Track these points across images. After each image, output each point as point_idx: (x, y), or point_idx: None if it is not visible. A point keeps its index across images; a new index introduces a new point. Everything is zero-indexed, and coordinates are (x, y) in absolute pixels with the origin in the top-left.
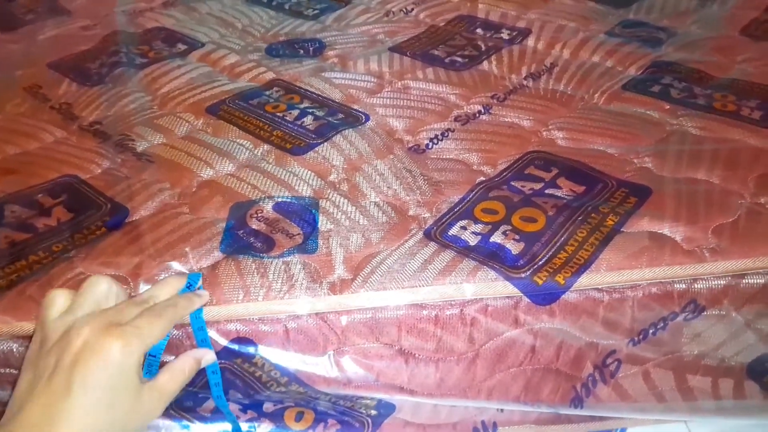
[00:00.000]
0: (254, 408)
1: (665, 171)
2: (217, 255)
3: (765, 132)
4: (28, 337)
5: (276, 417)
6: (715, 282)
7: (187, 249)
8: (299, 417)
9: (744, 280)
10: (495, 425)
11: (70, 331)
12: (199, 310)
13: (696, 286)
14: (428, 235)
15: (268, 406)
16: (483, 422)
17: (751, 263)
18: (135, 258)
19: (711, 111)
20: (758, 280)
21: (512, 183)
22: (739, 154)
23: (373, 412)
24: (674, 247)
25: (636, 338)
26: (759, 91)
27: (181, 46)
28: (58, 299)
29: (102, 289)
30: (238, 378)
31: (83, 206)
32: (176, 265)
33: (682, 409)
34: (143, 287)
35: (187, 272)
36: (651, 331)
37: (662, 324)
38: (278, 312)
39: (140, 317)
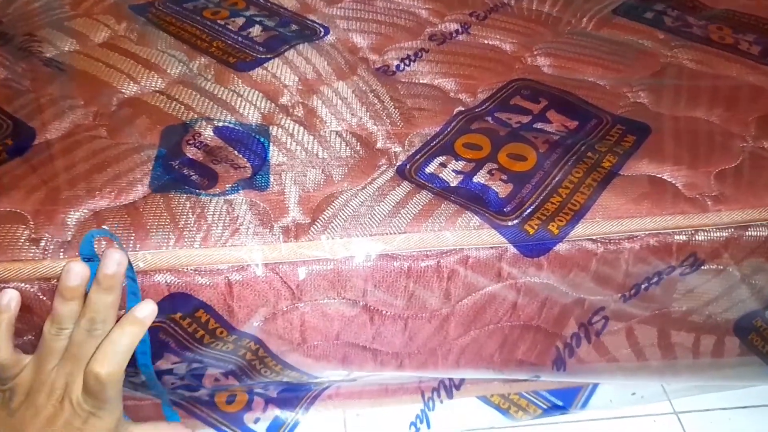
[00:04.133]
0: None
1: (662, 108)
2: (142, 189)
3: (764, 69)
4: None
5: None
6: (717, 234)
7: (104, 179)
8: (231, 399)
9: (747, 232)
10: (463, 379)
11: None
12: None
13: (697, 237)
14: (401, 173)
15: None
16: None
17: (756, 214)
18: (38, 192)
19: (708, 43)
20: (762, 233)
21: (496, 114)
22: (739, 92)
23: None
24: (676, 194)
25: (627, 294)
26: (756, 24)
27: None
28: None
29: None
30: (171, 338)
31: None
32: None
33: (657, 368)
34: (47, 233)
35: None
36: (644, 286)
37: (656, 278)
38: (220, 261)
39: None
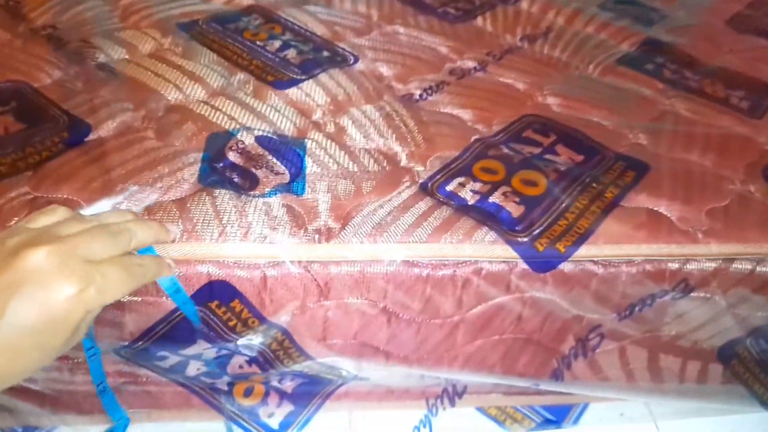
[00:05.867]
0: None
1: (660, 149)
2: (189, 187)
3: (752, 122)
4: None
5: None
6: (707, 264)
7: (155, 176)
8: (248, 392)
9: (733, 265)
10: (465, 388)
11: (25, 247)
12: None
13: (688, 266)
14: (424, 189)
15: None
16: (454, 385)
17: (742, 248)
18: (94, 181)
19: (702, 95)
20: (746, 266)
21: (510, 144)
22: (729, 140)
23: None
24: (670, 226)
25: (623, 313)
26: (745, 82)
27: None
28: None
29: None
30: (205, 325)
31: (36, 118)
32: (141, 196)
33: (645, 390)
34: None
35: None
36: (638, 307)
37: (650, 301)
38: (258, 255)
39: (111, 266)
